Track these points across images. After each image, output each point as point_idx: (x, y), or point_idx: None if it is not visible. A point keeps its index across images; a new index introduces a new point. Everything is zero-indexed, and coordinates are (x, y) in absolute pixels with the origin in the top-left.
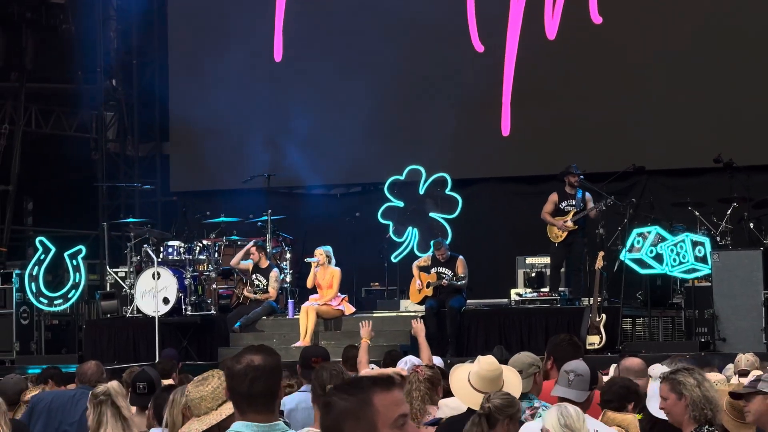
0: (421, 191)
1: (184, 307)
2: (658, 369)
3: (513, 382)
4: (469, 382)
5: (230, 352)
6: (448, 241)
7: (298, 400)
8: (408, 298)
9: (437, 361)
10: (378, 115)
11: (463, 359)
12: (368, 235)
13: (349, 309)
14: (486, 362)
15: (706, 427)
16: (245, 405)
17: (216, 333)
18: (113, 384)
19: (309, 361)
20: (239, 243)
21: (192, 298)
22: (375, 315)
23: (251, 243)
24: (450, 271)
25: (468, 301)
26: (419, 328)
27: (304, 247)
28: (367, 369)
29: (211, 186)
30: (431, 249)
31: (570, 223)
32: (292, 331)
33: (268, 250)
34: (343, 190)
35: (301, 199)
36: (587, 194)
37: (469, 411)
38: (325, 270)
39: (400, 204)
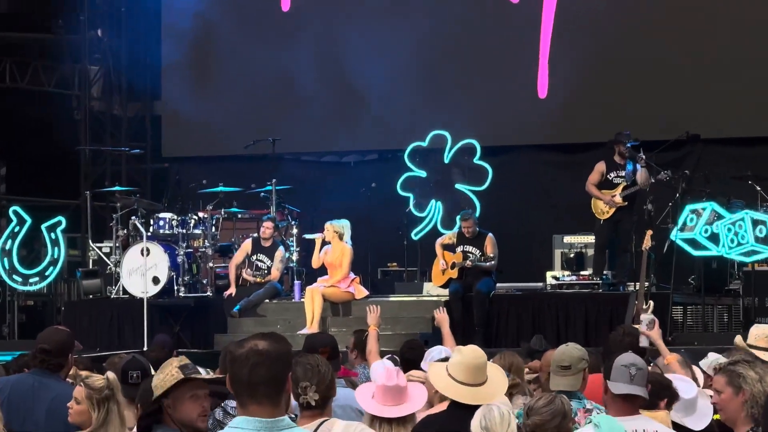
0: (447, 160)
1: (176, 287)
2: (712, 358)
3: (497, 377)
4: (449, 375)
5: (228, 339)
6: (477, 215)
7: None
8: (430, 280)
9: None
10: (398, 73)
11: (492, 351)
12: (385, 209)
13: (360, 292)
14: (469, 349)
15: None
16: (246, 396)
17: (212, 317)
18: (111, 376)
19: (315, 350)
20: (239, 216)
21: (185, 278)
22: (392, 299)
23: (246, 241)
24: (478, 250)
25: (498, 284)
26: (442, 318)
27: (312, 221)
28: (379, 360)
29: (208, 151)
30: (457, 224)
31: (618, 198)
32: (299, 316)
33: (279, 227)
34: (357, 158)
35: (310, 168)
36: (638, 166)
37: (450, 407)
38: (336, 247)
39: (422, 174)
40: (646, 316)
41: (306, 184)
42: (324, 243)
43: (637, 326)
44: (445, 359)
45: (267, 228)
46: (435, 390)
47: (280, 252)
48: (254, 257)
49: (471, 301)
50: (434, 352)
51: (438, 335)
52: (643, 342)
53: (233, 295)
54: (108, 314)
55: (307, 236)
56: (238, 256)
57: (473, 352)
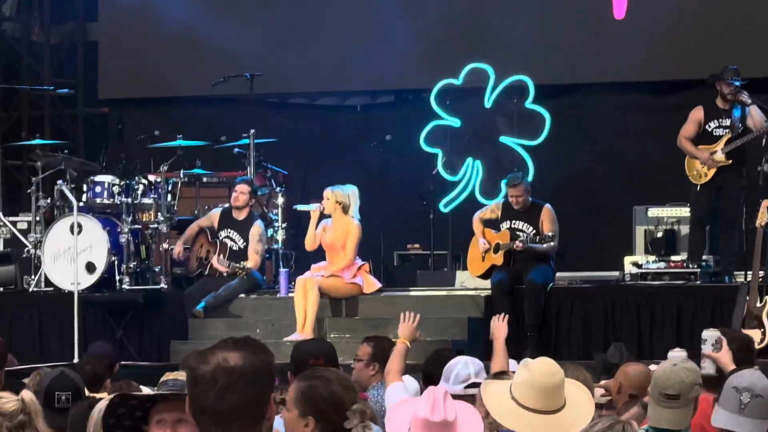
0: (488, 104)
1: (118, 277)
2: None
3: (580, 399)
4: (512, 399)
5: (189, 347)
6: (529, 179)
7: None
8: (465, 268)
9: (513, 366)
10: None
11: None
12: (405, 171)
13: (370, 284)
14: (541, 364)
15: None
16: (213, 428)
17: (168, 318)
18: (28, 396)
19: (305, 363)
20: (205, 180)
21: (131, 265)
22: (413, 293)
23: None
24: (530, 227)
25: (558, 273)
26: (499, 330)
27: (304, 186)
28: (399, 382)
29: (161, 91)
30: (502, 192)
31: (721, 155)
32: (286, 316)
33: (257, 193)
34: (366, 100)
35: (302, 113)
36: (747, 110)
37: None
38: (338, 223)
39: (455, 122)
40: (710, 333)
41: (296, 136)
42: (322, 217)
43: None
44: (502, 375)
45: (241, 193)
46: (487, 416)
47: (257, 228)
48: (222, 234)
49: (521, 297)
50: (457, 367)
51: (477, 342)
52: (708, 368)
53: (179, 254)
54: (26, 314)
55: (299, 207)
56: (203, 221)
57: (546, 367)
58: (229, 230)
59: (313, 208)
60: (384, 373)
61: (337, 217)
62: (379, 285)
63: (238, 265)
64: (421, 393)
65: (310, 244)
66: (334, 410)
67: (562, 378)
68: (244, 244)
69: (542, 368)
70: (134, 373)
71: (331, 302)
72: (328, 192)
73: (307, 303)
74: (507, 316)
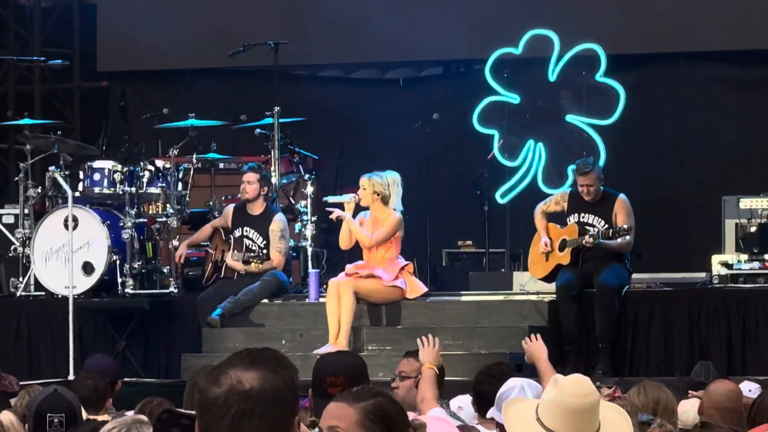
0: (552, 77)
1: (121, 280)
2: None
3: (617, 425)
4: (538, 419)
5: (202, 362)
6: (600, 164)
7: None
8: (526, 268)
9: None
10: None
11: (627, 381)
12: (454, 155)
13: (414, 287)
14: (571, 382)
15: None
16: None
17: (178, 328)
18: (7, 419)
19: (323, 382)
20: (222, 166)
21: (135, 265)
22: (465, 299)
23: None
24: (602, 221)
25: (634, 275)
26: (537, 350)
27: (337, 174)
28: (436, 409)
29: (171, 63)
30: (569, 180)
31: None
32: (316, 325)
33: (271, 181)
34: (409, 73)
35: (334, 88)
36: None
37: None
38: (377, 217)
39: (514, 99)
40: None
41: (328, 115)
42: (358, 209)
43: None
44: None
45: (247, 183)
46: None
47: (277, 223)
48: (238, 232)
49: (591, 302)
50: (513, 394)
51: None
52: None
53: (181, 258)
54: (12, 322)
55: (330, 199)
56: (217, 222)
57: (578, 385)
58: (244, 228)
59: (348, 200)
60: (418, 402)
61: (376, 210)
62: (424, 289)
63: (251, 253)
64: (476, 411)
65: (345, 241)
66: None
67: (596, 399)
68: (264, 242)
69: (573, 386)
70: (139, 392)
71: (369, 309)
72: (364, 180)
73: (341, 309)
74: (539, 335)
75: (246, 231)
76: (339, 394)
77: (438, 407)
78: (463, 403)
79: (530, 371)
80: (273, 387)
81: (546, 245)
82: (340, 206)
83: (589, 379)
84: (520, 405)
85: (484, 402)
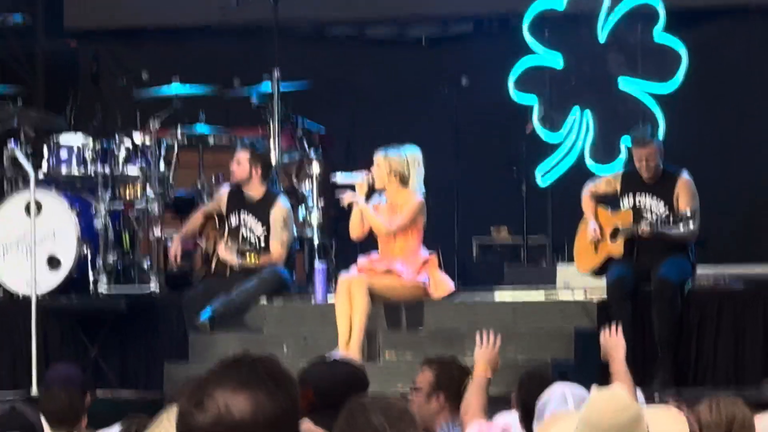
0: (602, 36)
1: (93, 277)
2: None
3: None
4: None
5: (189, 372)
6: (660, 138)
7: None
8: (571, 260)
9: (642, 397)
10: None
11: (695, 393)
12: (487, 127)
13: (440, 284)
14: (603, 399)
15: None
16: None
17: (160, 332)
18: None
19: (327, 392)
20: (212, 141)
21: (110, 259)
22: (499, 298)
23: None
24: (662, 205)
25: (699, 269)
26: (615, 347)
27: (348, 150)
28: (481, 420)
29: (152, 19)
30: (622, 156)
31: None
32: (323, 328)
33: (271, 160)
34: (433, 31)
35: (345, 49)
36: None
37: None
38: (395, 200)
39: (557, 62)
40: None
41: (337, 80)
42: (371, 191)
43: None
44: None
45: (237, 163)
46: None
47: (280, 209)
48: (234, 219)
49: (648, 301)
50: (552, 403)
51: (588, 363)
52: None
53: (177, 258)
54: None
55: (339, 179)
56: (209, 206)
57: (609, 401)
58: (241, 214)
59: (360, 180)
60: (462, 410)
61: (393, 192)
62: (452, 286)
63: (247, 246)
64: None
65: (356, 230)
66: None
67: (633, 414)
68: (264, 232)
69: (604, 403)
70: (114, 408)
71: (386, 309)
72: (379, 157)
73: (352, 311)
74: (621, 326)
75: (243, 218)
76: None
77: (483, 420)
78: (509, 420)
79: (578, 381)
80: (267, 415)
81: (595, 232)
82: (351, 188)
83: (626, 392)
84: (558, 426)
85: (528, 414)
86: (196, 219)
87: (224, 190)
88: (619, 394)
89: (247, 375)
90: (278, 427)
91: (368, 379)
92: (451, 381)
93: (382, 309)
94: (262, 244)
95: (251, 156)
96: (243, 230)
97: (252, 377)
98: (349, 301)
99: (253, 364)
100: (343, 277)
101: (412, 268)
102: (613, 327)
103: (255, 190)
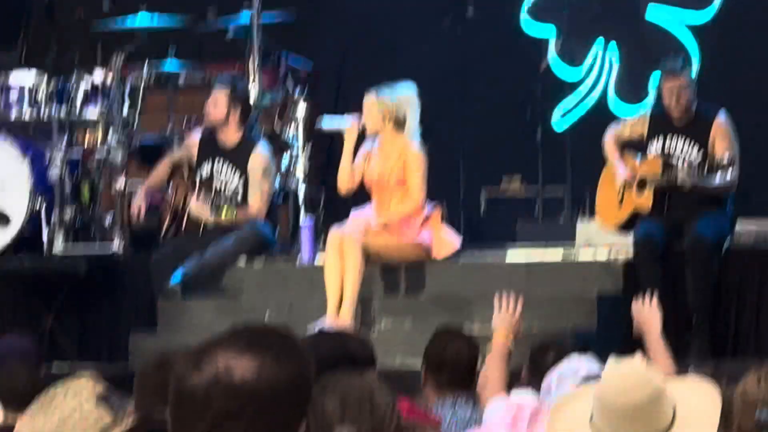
0: None
1: (47, 234)
2: None
3: (699, 418)
4: (592, 423)
5: (158, 343)
6: (693, 75)
7: None
8: (593, 215)
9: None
10: None
11: (734, 368)
12: (496, 63)
13: (443, 243)
14: (614, 375)
15: None
16: None
17: (125, 298)
18: None
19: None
20: (183, 81)
21: (67, 214)
22: (511, 258)
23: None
24: (696, 149)
25: (739, 225)
26: (650, 318)
27: (338, 89)
28: (503, 396)
29: None
30: (650, 97)
31: None
32: (310, 293)
33: (247, 93)
34: None
35: None
36: None
37: None
38: (389, 148)
39: None
40: None
41: (326, 9)
42: (361, 137)
43: None
44: None
45: (217, 101)
46: None
47: (259, 157)
48: (206, 169)
49: (681, 262)
50: (566, 375)
51: (613, 334)
52: None
53: (140, 212)
54: None
55: (325, 124)
56: (177, 154)
57: (619, 378)
58: (215, 162)
59: (348, 125)
60: (478, 386)
61: (388, 139)
62: (457, 244)
63: (223, 200)
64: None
65: (344, 180)
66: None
67: (650, 395)
68: (242, 183)
69: (615, 380)
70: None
71: (383, 271)
72: (370, 99)
73: (344, 272)
74: (657, 293)
75: (217, 167)
76: None
77: (505, 396)
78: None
79: (602, 353)
80: (272, 382)
81: (625, 174)
82: (340, 135)
83: (643, 365)
84: (573, 407)
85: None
86: (162, 168)
87: (195, 136)
88: (634, 370)
89: (254, 340)
90: (279, 396)
91: (375, 355)
92: (468, 359)
93: (377, 271)
94: (240, 197)
95: (230, 96)
96: (217, 181)
97: (261, 342)
98: (340, 261)
99: (264, 331)
100: (334, 233)
101: (413, 224)
102: (647, 295)
103: (231, 136)
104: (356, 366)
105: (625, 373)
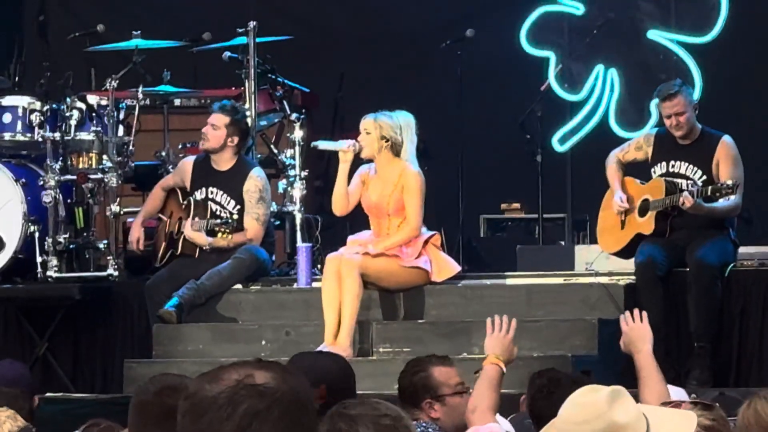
0: None
1: (41, 259)
2: None
3: None
4: None
5: (152, 370)
6: (694, 98)
7: None
8: (595, 240)
9: (675, 395)
10: None
11: (735, 393)
12: (496, 85)
13: (443, 267)
14: (574, 405)
15: None
16: None
17: (119, 324)
18: None
19: (341, 387)
20: (178, 104)
21: (61, 239)
22: (511, 280)
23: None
24: (699, 173)
25: (741, 249)
26: (639, 335)
27: (335, 112)
28: (493, 424)
29: None
30: (652, 118)
31: None
32: (308, 318)
33: (247, 121)
34: None
35: None
36: None
37: None
38: (386, 172)
39: (576, 8)
40: None
41: (323, 33)
42: (357, 161)
43: None
44: None
45: (212, 127)
46: None
47: (254, 181)
48: (201, 194)
49: (683, 286)
50: None
51: (613, 359)
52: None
53: (140, 244)
54: None
55: (321, 145)
56: (170, 179)
57: (580, 408)
58: (209, 186)
59: (345, 147)
60: (468, 409)
61: (384, 162)
62: (456, 268)
63: (218, 221)
64: None
65: (339, 204)
66: None
67: (604, 428)
68: (237, 208)
69: (570, 410)
70: (66, 411)
71: (381, 296)
72: (368, 122)
73: (342, 297)
74: (645, 313)
75: (211, 192)
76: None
77: (496, 423)
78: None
79: (603, 378)
80: (293, 388)
81: (622, 202)
82: (333, 157)
83: (607, 397)
84: None
85: (542, 421)
86: (156, 196)
87: (188, 161)
88: (590, 400)
89: (263, 362)
90: (301, 401)
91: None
92: (438, 383)
93: (376, 296)
94: (235, 222)
95: (231, 123)
96: (212, 205)
97: (269, 363)
98: (338, 286)
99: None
100: (332, 257)
101: (412, 249)
102: (637, 313)
103: (225, 161)
104: (346, 386)
105: (581, 404)
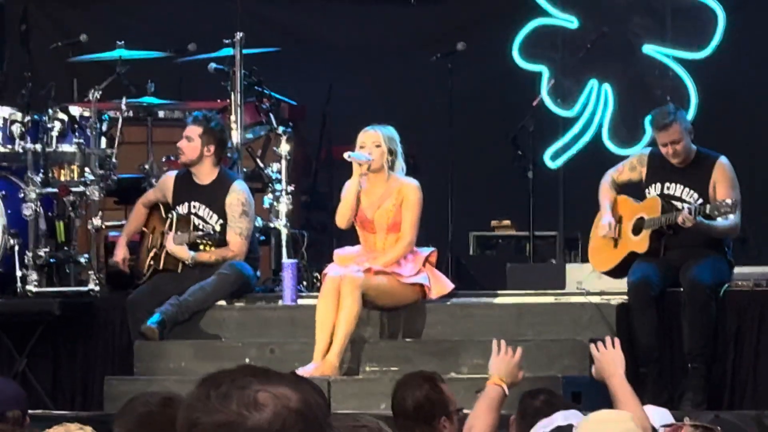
0: None
1: (20, 273)
2: None
3: None
4: None
5: (134, 387)
6: (690, 115)
7: None
8: (586, 259)
9: (658, 416)
10: None
11: (729, 420)
12: (486, 101)
13: (439, 284)
14: (599, 419)
15: None
16: None
17: (100, 340)
18: None
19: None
20: (162, 116)
21: (41, 253)
22: (500, 299)
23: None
24: (695, 194)
25: (737, 269)
26: (611, 361)
27: (323, 127)
28: None
29: None
30: (646, 136)
31: None
32: (293, 336)
33: (227, 136)
34: None
35: (319, 6)
36: None
37: None
38: (382, 185)
39: (570, 22)
40: None
41: (310, 44)
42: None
43: None
44: None
45: (186, 139)
46: None
47: (236, 195)
48: (183, 209)
49: (678, 306)
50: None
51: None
52: None
53: (125, 263)
54: None
55: (351, 155)
56: (151, 194)
57: (603, 423)
58: (191, 200)
59: (363, 160)
60: (464, 430)
61: (380, 176)
62: (450, 286)
63: (200, 233)
64: None
65: (347, 216)
66: None
67: None
68: (220, 222)
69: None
70: (44, 429)
71: (369, 314)
72: (378, 135)
73: (339, 316)
74: (618, 339)
75: (194, 207)
76: None
77: None
78: None
79: (593, 401)
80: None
81: (610, 227)
82: (329, 167)
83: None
84: None
85: None
86: (138, 213)
87: (170, 176)
88: (613, 419)
89: (266, 373)
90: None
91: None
92: (434, 405)
93: (363, 314)
94: (218, 236)
95: (204, 132)
96: (195, 220)
97: (271, 374)
98: (335, 304)
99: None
100: (333, 274)
101: (407, 267)
102: (609, 340)
103: (206, 174)
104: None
105: (604, 420)
